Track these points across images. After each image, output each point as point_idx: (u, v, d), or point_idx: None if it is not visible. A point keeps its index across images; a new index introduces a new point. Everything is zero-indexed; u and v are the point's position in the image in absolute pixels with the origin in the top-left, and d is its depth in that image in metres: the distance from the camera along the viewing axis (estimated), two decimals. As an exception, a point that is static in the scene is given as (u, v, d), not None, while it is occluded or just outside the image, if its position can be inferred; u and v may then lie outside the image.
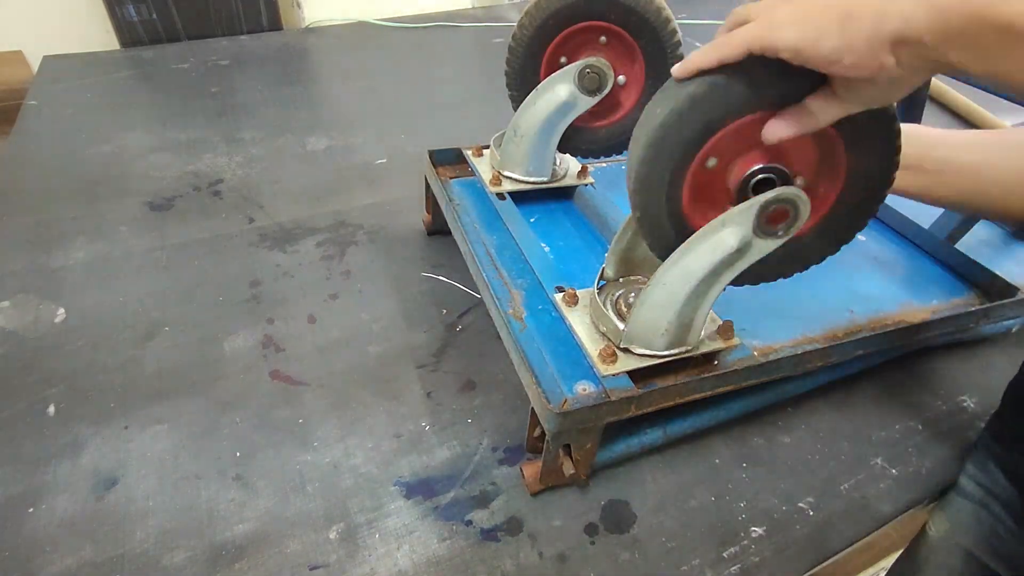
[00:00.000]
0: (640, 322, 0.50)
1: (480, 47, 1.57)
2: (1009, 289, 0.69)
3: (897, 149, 0.43)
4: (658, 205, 0.45)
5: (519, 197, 0.75)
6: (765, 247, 0.45)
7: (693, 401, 0.54)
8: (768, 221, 0.43)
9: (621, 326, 0.52)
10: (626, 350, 0.53)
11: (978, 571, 0.55)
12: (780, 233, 0.44)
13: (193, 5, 1.47)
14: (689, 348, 0.53)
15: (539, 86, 0.67)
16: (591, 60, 0.65)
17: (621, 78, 0.68)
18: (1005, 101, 0.87)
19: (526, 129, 0.70)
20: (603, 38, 0.66)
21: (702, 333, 0.54)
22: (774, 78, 0.39)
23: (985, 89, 0.85)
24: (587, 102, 0.68)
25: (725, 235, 0.44)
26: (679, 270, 0.47)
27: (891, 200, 0.78)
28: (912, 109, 0.93)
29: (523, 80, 0.69)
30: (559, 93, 0.67)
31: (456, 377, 0.66)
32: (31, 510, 0.53)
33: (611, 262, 0.57)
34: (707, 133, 0.42)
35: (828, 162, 0.44)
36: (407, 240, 0.86)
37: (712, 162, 0.44)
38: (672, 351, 0.52)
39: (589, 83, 0.66)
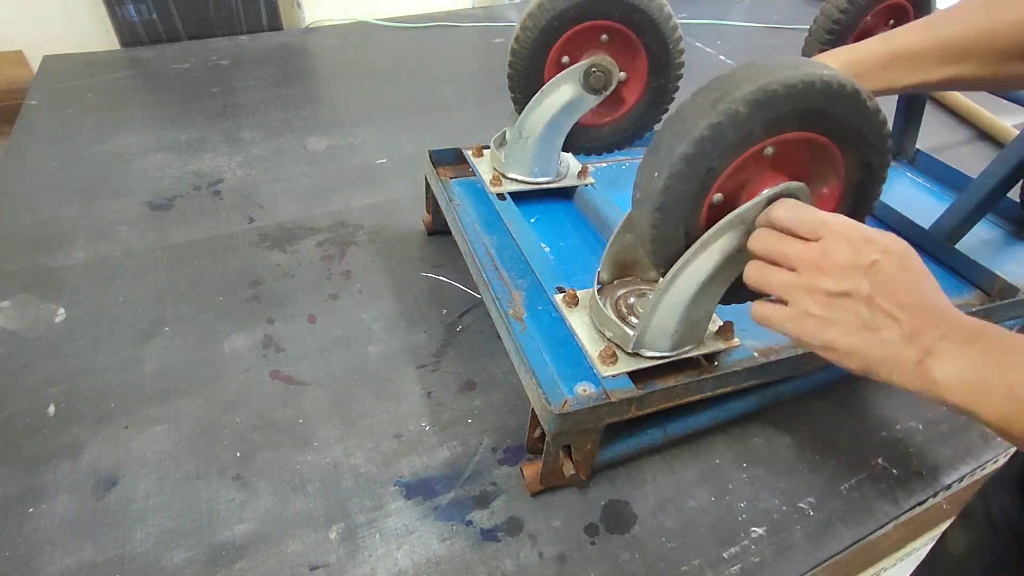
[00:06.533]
0: (652, 327, 0.51)
1: (480, 47, 1.57)
2: (1009, 289, 0.69)
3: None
4: (677, 245, 0.46)
5: (519, 197, 0.75)
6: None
7: (693, 401, 0.55)
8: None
9: (630, 331, 0.52)
10: (636, 354, 0.53)
11: None
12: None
13: (193, 5, 1.47)
14: (695, 346, 0.54)
15: (544, 87, 0.67)
16: (597, 59, 0.65)
17: (623, 74, 0.68)
18: (1005, 101, 0.87)
19: (531, 130, 0.70)
20: (605, 36, 0.66)
21: (706, 332, 0.54)
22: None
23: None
24: (592, 100, 0.68)
25: (728, 237, 0.44)
26: (686, 273, 0.47)
27: (890, 201, 0.78)
28: (912, 109, 0.93)
29: (527, 82, 0.69)
30: (564, 93, 0.67)
31: (456, 377, 0.66)
32: (31, 510, 0.53)
33: (605, 266, 0.57)
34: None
35: None
36: (407, 240, 0.86)
37: (718, 197, 0.45)
38: (678, 351, 0.53)
39: (595, 82, 0.66)
